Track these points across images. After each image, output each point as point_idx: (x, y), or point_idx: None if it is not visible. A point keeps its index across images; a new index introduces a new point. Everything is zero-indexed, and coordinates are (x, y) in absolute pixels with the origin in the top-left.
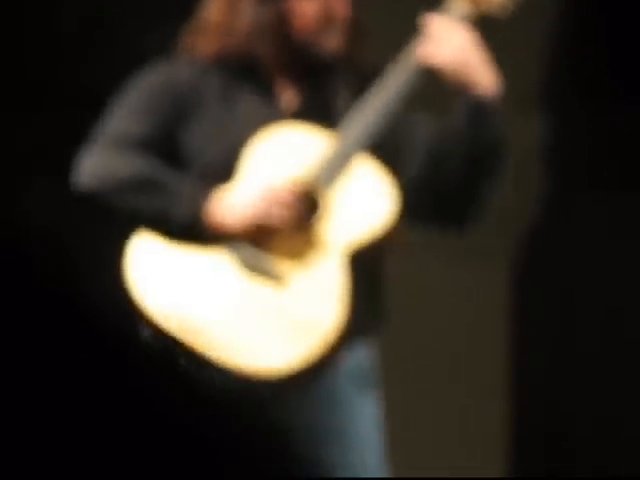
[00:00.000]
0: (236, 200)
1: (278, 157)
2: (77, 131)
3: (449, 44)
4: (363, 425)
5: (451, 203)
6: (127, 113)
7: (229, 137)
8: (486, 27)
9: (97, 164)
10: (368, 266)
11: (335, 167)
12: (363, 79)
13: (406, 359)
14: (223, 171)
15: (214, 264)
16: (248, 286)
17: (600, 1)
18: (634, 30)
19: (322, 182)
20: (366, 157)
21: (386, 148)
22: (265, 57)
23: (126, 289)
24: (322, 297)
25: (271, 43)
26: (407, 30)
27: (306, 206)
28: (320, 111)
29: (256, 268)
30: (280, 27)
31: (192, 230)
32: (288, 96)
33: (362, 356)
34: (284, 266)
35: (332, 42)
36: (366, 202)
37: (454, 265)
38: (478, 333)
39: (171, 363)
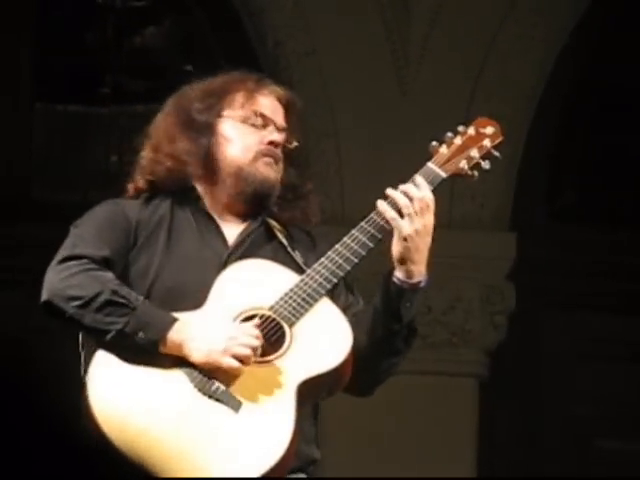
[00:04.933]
0: (200, 334)
1: (245, 290)
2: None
3: (421, 222)
4: None
5: (356, 379)
6: (89, 237)
7: (176, 265)
8: None
9: (59, 281)
10: (316, 398)
11: (298, 305)
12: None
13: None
14: (170, 296)
15: (171, 384)
16: (201, 408)
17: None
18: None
19: (285, 318)
20: (326, 299)
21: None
22: (200, 181)
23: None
24: (271, 428)
25: (200, 167)
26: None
27: (269, 336)
28: (256, 245)
29: (211, 393)
30: (210, 154)
31: (153, 352)
32: (228, 229)
33: None
34: (238, 393)
35: (267, 172)
36: (325, 338)
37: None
38: (447, 445)
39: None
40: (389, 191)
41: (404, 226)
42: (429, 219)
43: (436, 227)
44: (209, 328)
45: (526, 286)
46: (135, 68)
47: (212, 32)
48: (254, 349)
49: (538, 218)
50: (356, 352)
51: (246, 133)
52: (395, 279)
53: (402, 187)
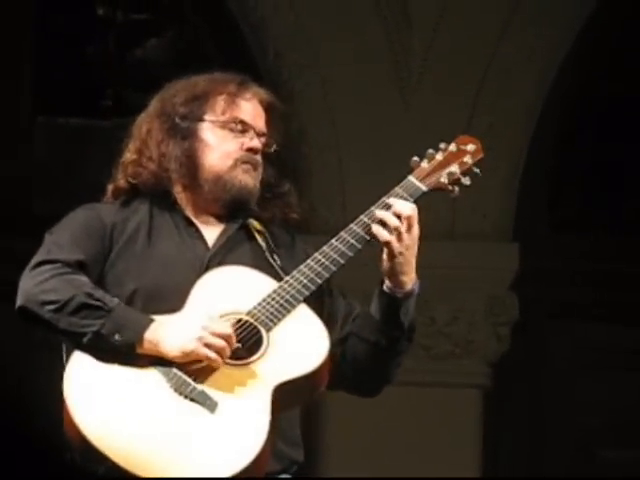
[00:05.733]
0: (176, 330)
1: (223, 296)
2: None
3: (410, 238)
4: None
5: (362, 379)
6: (63, 242)
7: (156, 269)
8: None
9: (33, 286)
10: (294, 403)
11: (276, 310)
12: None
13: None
14: (151, 299)
15: (147, 385)
16: (177, 408)
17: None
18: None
19: (262, 322)
20: (305, 304)
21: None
22: (175, 187)
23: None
24: (245, 430)
25: (180, 172)
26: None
27: (246, 340)
28: (237, 247)
29: (187, 393)
30: (190, 159)
31: (129, 354)
32: (208, 232)
33: None
34: (214, 394)
35: (245, 179)
36: (302, 343)
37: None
38: (451, 455)
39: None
40: (379, 213)
41: (395, 246)
42: (416, 231)
43: (439, 239)
44: (184, 325)
45: (529, 296)
46: (136, 80)
47: (213, 44)
48: (228, 339)
49: (540, 228)
50: (360, 358)
51: (225, 139)
52: (389, 291)
53: (393, 207)
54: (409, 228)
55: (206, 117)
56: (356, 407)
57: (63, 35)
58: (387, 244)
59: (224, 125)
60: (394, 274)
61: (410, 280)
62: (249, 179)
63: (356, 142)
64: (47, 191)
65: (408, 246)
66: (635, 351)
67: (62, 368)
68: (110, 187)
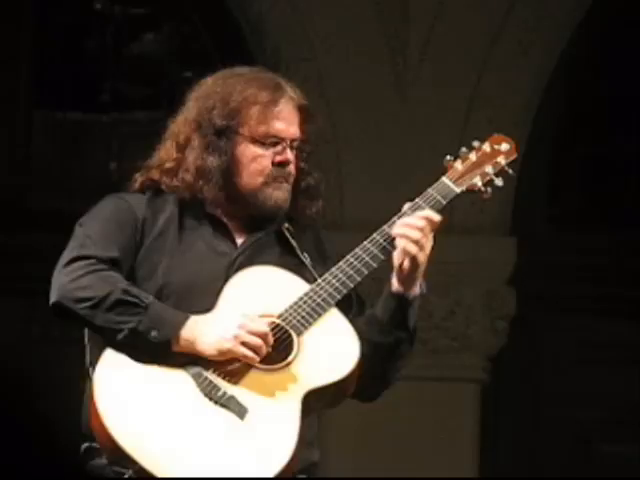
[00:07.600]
0: (212, 328)
1: (254, 297)
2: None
3: (429, 245)
4: None
5: (361, 383)
6: (96, 237)
7: (185, 267)
8: None
9: (68, 282)
10: (321, 408)
11: (307, 314)
12: (306, 236)
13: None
14: (179, 297)
15: (177, 389)
16: (206, 413)
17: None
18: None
19: (294, 326)
20: (335, 309)
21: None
22: (210, 199)
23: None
24: (275, 437)
25: (215, 187)
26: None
27: (276, 344)
28: (266, 247)
29: (217, 399)
30: (225, 175)
31: (165, 351)
32: (238, 233)
33: None
34: (244, 400)
35: (277, 195)
36: (333, 348)
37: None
38: (449, 449)
39: None
40: (408, 232)
41: (420, 256)
42: (431, 237)
43: (436, 233)
44: (220, 324)
45: (526, 291)
46: (134, 75)
47: (210, 38)
48: (265, 338)
49: (538, 223)
50: (362, 361)
51: (258, 155)
52: (399, 293)
53: (415, 222)
54: (428, 236)
55: (240, 130)
56: (353, 401)
57: (61, 29)
58: (413, 258)
59: (256, 140)
60: (410, 278)
61: (420, 281)
62: (280, 194)
63: (354, 136)
64: (45, 186)
65: (427, 254)
66: (633, 345)
67: (81, 362)
68: (140, 179)
